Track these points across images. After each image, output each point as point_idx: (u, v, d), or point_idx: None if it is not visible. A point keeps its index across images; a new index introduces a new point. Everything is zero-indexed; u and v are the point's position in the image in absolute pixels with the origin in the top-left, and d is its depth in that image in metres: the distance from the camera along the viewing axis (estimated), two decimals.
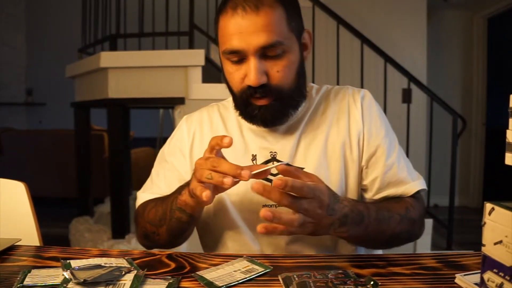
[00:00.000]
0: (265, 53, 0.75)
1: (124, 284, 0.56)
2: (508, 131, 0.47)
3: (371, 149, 0.84)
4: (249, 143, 0.85)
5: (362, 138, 0.85)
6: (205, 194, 0.63)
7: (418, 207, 0.82)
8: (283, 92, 0.78)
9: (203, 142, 0.88)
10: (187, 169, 0.88)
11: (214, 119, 0.91)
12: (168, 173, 0.89)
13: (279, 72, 0.76)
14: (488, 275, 0.48)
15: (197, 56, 2.57)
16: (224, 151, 0.74)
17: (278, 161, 0.83)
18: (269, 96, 0.77)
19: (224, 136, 0.65)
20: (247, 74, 0.76)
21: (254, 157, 0.84)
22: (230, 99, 0.89)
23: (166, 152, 0.92)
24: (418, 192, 0.85)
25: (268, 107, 0.78)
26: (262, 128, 0.84)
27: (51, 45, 5.80)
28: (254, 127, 0.85)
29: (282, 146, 0.84)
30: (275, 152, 0.84)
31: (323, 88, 0.91)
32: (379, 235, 0.75)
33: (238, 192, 0.82)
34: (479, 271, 0.50)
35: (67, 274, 0.58)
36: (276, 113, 0.79)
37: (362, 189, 0.86)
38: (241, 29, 0.73)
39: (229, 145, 0.64)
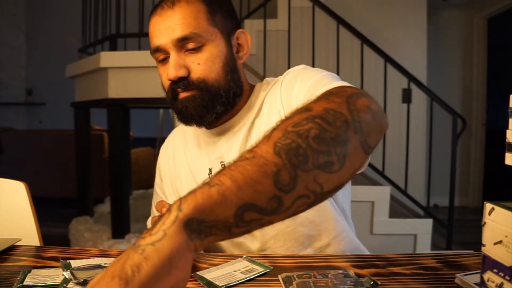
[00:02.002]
0: (184, 46, 0.75)
1: None
2: (508, 131, 0.47)
3: None
4: (205, 156, 0.85)
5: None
6: None
7: (323, 97, 0.54)
8: (207, 85, 0.76)
9: (170, 165, 0.92)
10: (170, 192, 0.91)
11: (177, 139, 0.94)
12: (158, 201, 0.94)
13: (200, 64, 0.75)
14: (488, 275, 0.48)
15: None
16: (183, 171, 0.84)
17: None
18: (191, 89, 0.76)
19: None
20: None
21: (210, 171, 0.84)
22: None
23: (155, 181, 0.97)
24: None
25: (190, 99, 0.76)
26: (214, 136, 0.84)
27: (51, 45, 5.80)
28: (207, 138, 0.85)
29: (232, 153, 0.81)
30: (222, 161, 0.82)
31: (271, 81, 0.86)
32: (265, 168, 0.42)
33: None
34: (479, 271, 0.50)
35: (67, 274, 0.58)
36: (200, 106, 0.76)
37: None
38: (159, 26, 0.75)
39: None
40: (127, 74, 2.68)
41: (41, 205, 1.41)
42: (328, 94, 0.55)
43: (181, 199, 0.40)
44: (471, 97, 4.39)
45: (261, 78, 2.86)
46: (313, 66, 3.03)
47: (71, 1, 4.83)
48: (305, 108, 0.49)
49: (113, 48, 2.92)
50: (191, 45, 0.75)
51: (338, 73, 2.83)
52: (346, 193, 0.86)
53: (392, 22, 3.50)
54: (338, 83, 0.66)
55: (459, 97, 4.40)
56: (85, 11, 3.42)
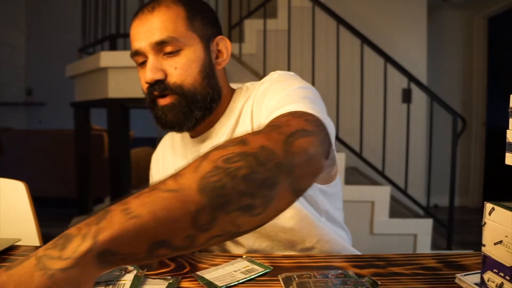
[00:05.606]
0: (162, 50, 0.76)
1: (124, 284, 0.56)
2: (508, 131, 0.47)
3: None
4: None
5: None
6: None
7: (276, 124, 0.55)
8: (184, 91, 0.77)
9: (160, 173, 0.94)
10: None
11: (166, 147, 0.95)
12: None
13: (177, 69, 0.76)
14: (488, 275, 0.48)
15: None
16: None
17: None
18: (169, 94, 0.77)
19: None
20: None
21: None
22: None
23: None
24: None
25: (169, 107, 0.77)
26: (197, 145, 0.84)
27: (51, 45, 5.80)
28: (192, 146, 0.86)
29: None
30: None
31: (251, 87, 0.85)
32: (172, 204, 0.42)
33: None
34: (479, 271, 0.50)
35: None
36: (179, 113, 0.77)
37: None
38: (139, 30, 0.77)
39: None
40: (127, 74, 2.68)
41: (41, 205, 1.41)
42: (272, 127, 0.54)
43: (98, 225, 0.39)
44: (471, 97, 4.39)
45: (261, 78, 2.86)
46: (313, 65, 3.01)
47: (71, 1, 4.83)
48: (241, 140, 0.48)
49: (113, 48, 2.92)
50: (168, 49, 0.76)
51: (338, 73, 2.86)
52: (331, 195, 0.84)
53: (392, 22, 3.51)
54: (294, 106, 0.62)
55: (459, 97, 4.40)
56: (85, 11, 3.42)
